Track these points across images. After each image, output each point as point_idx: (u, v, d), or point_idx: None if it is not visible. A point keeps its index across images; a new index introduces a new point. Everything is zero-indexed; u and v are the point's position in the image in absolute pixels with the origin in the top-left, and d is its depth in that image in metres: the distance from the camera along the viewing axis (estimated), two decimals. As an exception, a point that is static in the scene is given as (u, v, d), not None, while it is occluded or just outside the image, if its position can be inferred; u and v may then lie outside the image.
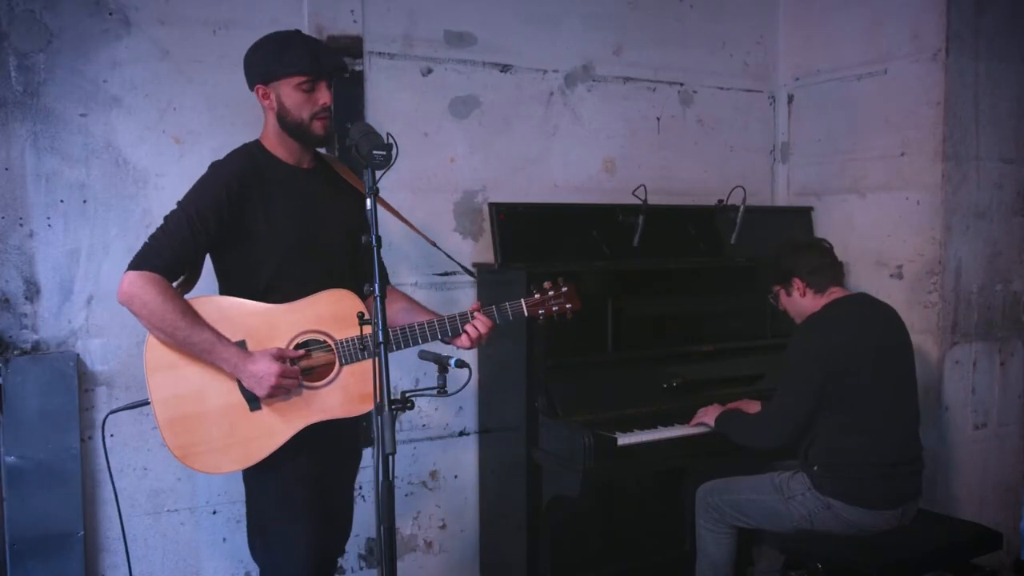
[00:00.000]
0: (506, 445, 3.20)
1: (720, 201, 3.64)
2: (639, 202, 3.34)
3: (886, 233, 3.54)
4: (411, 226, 2.46)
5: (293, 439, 2.14)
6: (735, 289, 3.55)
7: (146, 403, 2.13)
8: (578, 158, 3.57)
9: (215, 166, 2.21)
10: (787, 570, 3.04)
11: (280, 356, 2.10)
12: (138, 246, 2.12)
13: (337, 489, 2.39)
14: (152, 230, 2.15)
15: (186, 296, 2.18)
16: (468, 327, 2.24)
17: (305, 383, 2.15)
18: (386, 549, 1.76)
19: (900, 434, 2.75)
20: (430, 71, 3.26)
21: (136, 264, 2.08)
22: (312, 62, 2.17)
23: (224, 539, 3.00)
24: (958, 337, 3.43)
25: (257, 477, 2.24)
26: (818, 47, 3.87)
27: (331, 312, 2.18)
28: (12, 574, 2.59)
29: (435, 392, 2.14)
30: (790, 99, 4.02)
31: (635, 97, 3.69)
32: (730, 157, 3.94)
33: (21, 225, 2.68)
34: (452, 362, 2.21)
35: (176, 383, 2.10)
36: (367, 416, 2.17)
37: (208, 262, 2.26)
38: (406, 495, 3.30)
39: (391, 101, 3.17)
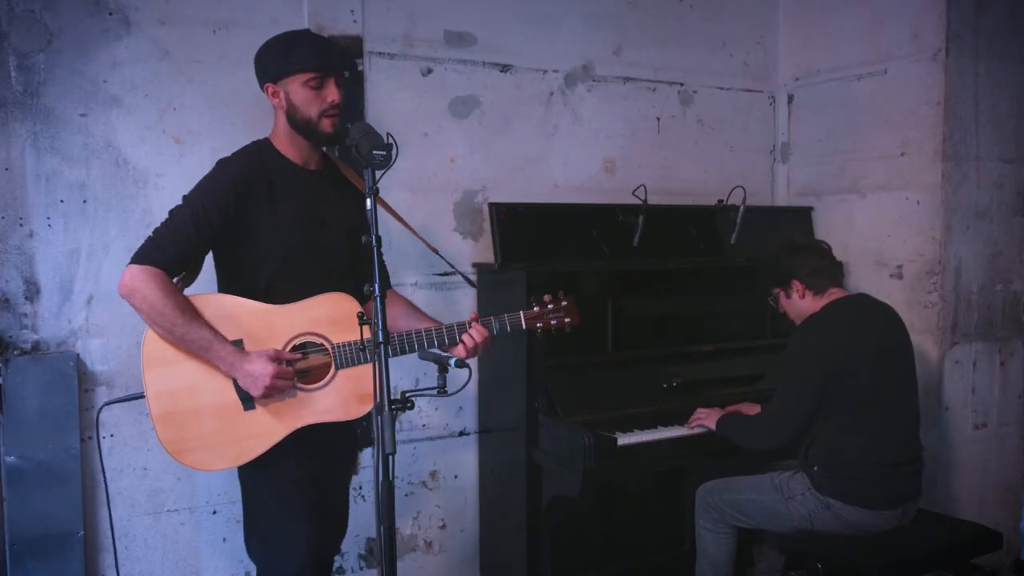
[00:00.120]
0: (506, 445, 3.20)
1: (720, 201, 3.64)
2: (639, 202, 3.34)
3: (886, 233, 3.54)
4: (412, 230, 2.46)
5: (287, 440, 2.14)
6: (735, 289, 3.55)
7: (141, 396, 2.13)
8: (578, 158, 3.57)
9: (222, 163, 2.22)
10: (787, 570, 3.04)
11: (276, 357, 2.10)
12: (138, 246, 2.13)
13: (332, 490, 2.39)
14: (152, 230, 2.15)
15: (187, 291, 2.18)
16: (464, 337, 2.25)
17: (300, 385, 2.16)
18: (386, 549, 1.76)
19: (900, 434, 2.75)
20: (430, 71, 3.26)
21: (138, 258, 2.08)
22: (319, 59, 2.17)
23: (224, 539, 3.00)
24: (958, 337, 3.43)
25: (252, 476, 2.24)
26: (818, 47, 3.87)
27: (329, 315, 2.18)
28: (12, 574, 2.59)
29: (435, 392, 2.15)
30: (790, 99, 4.02)
31: (635, 97, 3.69)
32: (730, 157, 3.94)
33: (21, 225, 2.68)
34: (452, 362, 2.21)
35: (172, 378, 2.10)
36: (367, 416, 2.17)
37: (209, 258, 2.26)
38: (406, 495, 3.30)
39: (391, 101, 3.17)
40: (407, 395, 1.93)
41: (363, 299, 2.24)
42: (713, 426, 2.93)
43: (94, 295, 2.76)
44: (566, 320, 2.35)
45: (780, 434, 2.76)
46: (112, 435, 2.81)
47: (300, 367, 2.16)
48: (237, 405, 2.13)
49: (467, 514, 3.43)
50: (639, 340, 3.31)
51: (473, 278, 3.32)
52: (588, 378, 3.11)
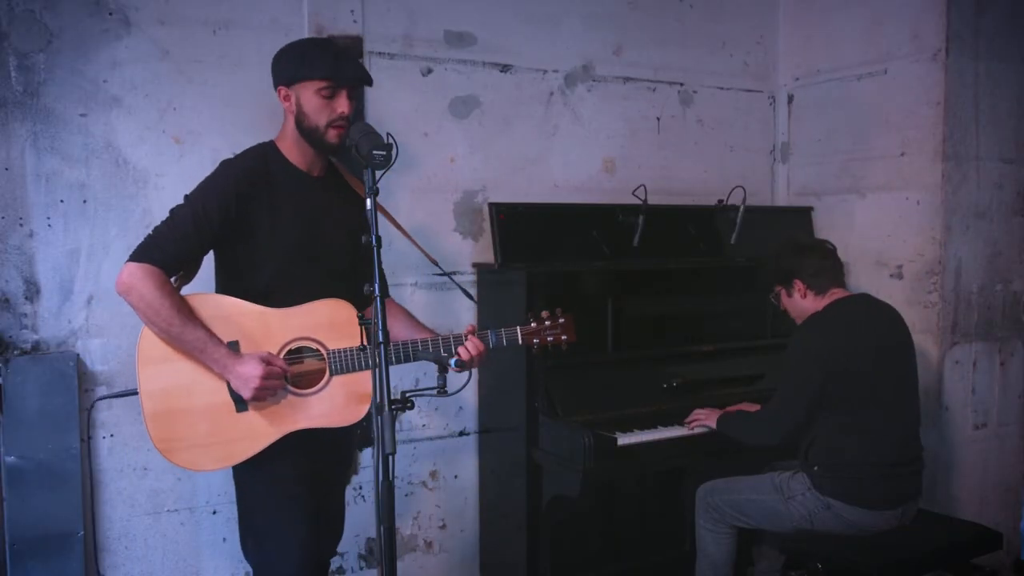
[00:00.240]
0: (506, 445, 3.20)
1: (720, 201, 3.64)
2: (639, 202, 3.34)
3: (886, 233, 3.54)
4: (411, 238, 2.46)
5: (283, 441, 2.14)
6: (735, 289, 3.55)
7: (134, 393, 2.13)
8: (578, 158, 3.57)
9: (226, 164, 2.22)
10: (787, 570, 3.04)
11: (268, 360, 2.10)
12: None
13: (329, 494, 2.39)
14: (152, 229, 2.15)
15: (186, 291, 2.18)
16: (460, 349, 2.24)
17: (293, 389, 2.16)
18: (386, 549, 1.76)
19: (900, 434, 2.75)
20: (430, 71, 3.26)
21: (137, 255, 2.08)
22: (334, 69, 2.18)
23: (224, 539, 3.00)
24: (958, 337, 3.43)
25: (247, 477, 2.25)
26: (818, 47, 3.87)
27: (327, 321, 2.18)
28: (12, 574, 2.59)
29: (435, 392, 2.14)
30: (790, 99, 4.02)
31: (635, 97, 3.69)
32: (730, 157, 3.94)
33: (21, 225, 2.68)
34: (452, 362, 2.21)
35: (166, 377, 2.11)
36: (366, 417, 2.18)
37: (208, 258, 2.26)
38: (406, 495, 3.30)
39: (391, 101, 3.17)
40: (407, 395, 1.93)
41: (362, 302, 2.24)
42: (713, 424, 2.93)
43: (94, 295, 2.76)
44: (563, 337, 2.35)
45: (780, 431, 2.76)
46: (112, 435, 2.81)
47: (295, 371, 2.16)
48: (230, 406, 2.13)
49: (467, 514, 3.43)
50: (639, 340, 3.31)
51: (473, 278, 3.33)
52: (588, 378, 3.11)
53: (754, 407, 3.00)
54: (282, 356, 2.16)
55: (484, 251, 3.34)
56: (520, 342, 2.33)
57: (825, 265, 2.88)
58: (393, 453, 1.73)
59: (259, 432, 2.13)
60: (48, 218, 2.70)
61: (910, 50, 3.45)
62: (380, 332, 1.81)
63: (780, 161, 4.07)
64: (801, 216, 3.84)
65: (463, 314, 3.25)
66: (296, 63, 2.20)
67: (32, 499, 2.62)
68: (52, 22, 2.66)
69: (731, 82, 3.93)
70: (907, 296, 3.44)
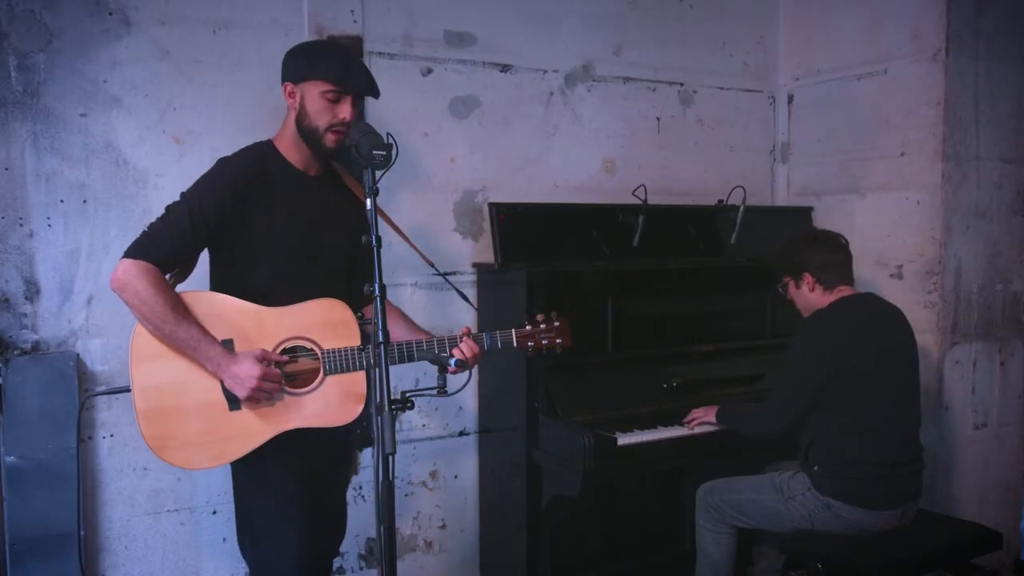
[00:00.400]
0: (506, 445, 3.20)
1: (720, 201, 3.64)
2: (639, 202, 3.34)
3: (886, 233, 3.54)
4: (408, 240, 2.46)
5: (280, 441, 2.14)
6: (735, 289, 3.55)
7: (127, 390, 2.12)
8: (578, 158, 3.57)
9: (223, 162, 2.22)
10: (787, 570, 3.04)
11: (263, 358, 2.09)
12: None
13: (329, 492, 2.38)
14: (147, 225, 2.15)
15: (182, 288, 2.18)
16: (455, 351, 2.24)
17: (287, 388, 2.15)
18: (386, 549, 1.76)
19: (900, 434, 2.75)
20: (430, 71, 3.26)
21: (132, 252, 2.07)
22: (342, 75, 2.18)
23: (224, 539, 3.00)
24: (958, 337, 3.43)
25: (243, 476, 2.24)
26: (818, 47, 3.87)
27: (322, 320, 2.18)
28: (12, 574, 2.59)
29: (435, 392, 2.14)
30: (790, 99, 4.02)
31: (635, 97, 3.69)
32: (730, 157, 3.94)
33: (21, 225, 2.68)
34: (452, 362, 2.21)
35: (159, 374, 2.10)
36: (366, 417, 2.17)
37: (204, 256, 2.26)
38: (406, 495, 3.30)
39: (391, 101, 3.16)
40: (407, 395, 1.93)
41: (360, 302, 2.24)
42: (713, 419, 2.93)
43: (94, 295, 2.76)
44: (557, 341, 2.36)
45: (779, 424, 2.77)
46: (112, 435, 2.81)
47: (289, 371, 2.16)
48: (223, 405, 2.12)
49: (467, 514, 3.43)
50: (639, 340, 3.31)
51: (473, 278, 3.33)
52: (588, 378, 3.11)
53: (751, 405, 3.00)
54: (276, 354, 2.15)
55: (484, 251, 3.34)
56: (515, 345, 2.33)
57: (836, 259, 2.87)
58: (393, 453, 1.73)
59: (252, 431, 2.13)
60: (48, 218, 2.70)
61: (910, 50, 3.45)
62: (380, 332, 1.81)
63: (780, 161, 4.07)
64: (801, 216, 3.84)
65: (463, 315, 3.25)
66: (308, 61, 2.20)
67: (32, 499, 2.62)
68: (52, 22, 2.66)
69: (731, 82, 3.93)
70: (907, 296, 3.44)
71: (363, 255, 2.08)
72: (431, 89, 3.26)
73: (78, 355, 2.73)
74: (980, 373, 3.49)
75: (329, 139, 2.20)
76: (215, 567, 3.01)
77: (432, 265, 2.48)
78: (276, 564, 2.20)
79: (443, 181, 3.31)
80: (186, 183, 2.20)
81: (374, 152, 1.94)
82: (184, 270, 2.24)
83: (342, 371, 2.17)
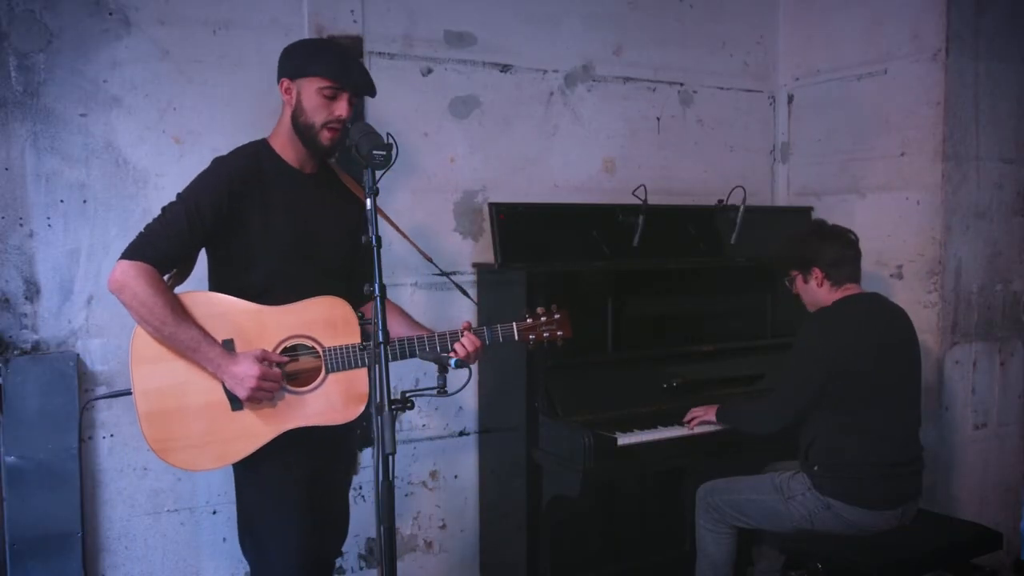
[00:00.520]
0: (506, 445, 3.20)
1: (720, 201, 3.64)
2: (639, 202, 3.34)
3: (886, 233, 3.54)
4: (407, 237, 2.45)
5: (282, 441, 2.14)
6: (735, 289, 3.55)
7: (128, 393, 2.12)
8: (578, 158, 3.57)
9: (218, 161, 2.21)
10: (787, 570, 3.04)
11: (263, 358, 2.09)
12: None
13: (331, 492, 2.38)
14: (144, 226, 2.15)
15: (180, 289, 2.18)
16: (456, 346, 2.24)
17: (289, 387, 2.15)
18: (386, 549, 1.76)
19: (901, 434, 2.75)
20: (430, 71, 3.26)
21: (130, 253, 2.07)
22: (341, 72, 2.17)
23: (224, 539, 3.00)
24: (958, 337, 3.43)
25: (246, 476, 2.24)
26: (818, 47, 3.87)
27: (322, 318, 2.17)
28: (12, 574, 2.59)
29: (435, 392, 2.14)
30: (790, 99, 4.02)
31: (635, 97, 3.69)
32: (730, 157, 3.94)
33: (21, 225, 2.68)
34: (452, 362, 2.21)
35: (160, 376, 2.10)
36: (366, 416, 2.17)
37: (202, 256, 2.26)
38: (406, 495, 3.30)
39: (391, 101, 3.17)
40: (407, 395, 1.93)
41: (358, 302, 2.24)
42: (713, 418, 2.93)
43: (94, 295, 2.76)
44: (558, 333, 2.35)
45: (780, 423, 2.77)
46: (112, 435, 2.81)
47: (290, 369, 2.15)
48: (225, 405, 2.12)
49: (467, 514, 3.43)
50: (639, 340, 3.31)
51: (473, 278, 3.33)
52: (588, 378, 3.11)
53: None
54: (277, 353, 2.15)
55: (484, 251, 3.34)
56: (516, 338, 2.33)
57: (847, 255, 2.85)
58: (393, 453, 1.73)
59: (255, 431, 2.13)
60: (48, 218, 2.70)
61: (910, 50, 3.45)
62: (380, 332, 1.81)
63: (780, 161, 4.07)
64: (801, 216, 3.84)
65: (463, 315, 3.24)
66: (306, 58, 2.20)
67: (32, 499, 2.62)
68: (52, 22, 2.66)
69: (731, 82, 3.93)
70: (907, 296, 3.43)
71: (363, 255, 2.08)
72: (431, 89, 3.26)
73: (78, 355, 2.73)
74: (980, 373, 3.49)
75: (325, 136, 2.19)
76: (215, 567, 3.01)
77: (431, 260, 2.48)
78: (277, 565, 2.20)
79: (443, 181, 3.31)
80: (186, 183, 2.20)
81: (374, 152, 1.94)
82: (182, 271, 2.24)
83: (344, 369, 2.17)
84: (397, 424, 2.19)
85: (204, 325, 2.09)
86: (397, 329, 2.34)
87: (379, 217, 2.04)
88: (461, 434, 3.39)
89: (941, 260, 3.37)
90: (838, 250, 2.85)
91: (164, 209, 2.14)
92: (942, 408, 3.41)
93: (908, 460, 2.74)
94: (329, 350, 2.16)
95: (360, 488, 3.19)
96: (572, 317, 2.38)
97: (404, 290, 3.20)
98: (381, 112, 3.11)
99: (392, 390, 1.81)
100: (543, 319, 2.34)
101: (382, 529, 1.75)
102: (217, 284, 2.23)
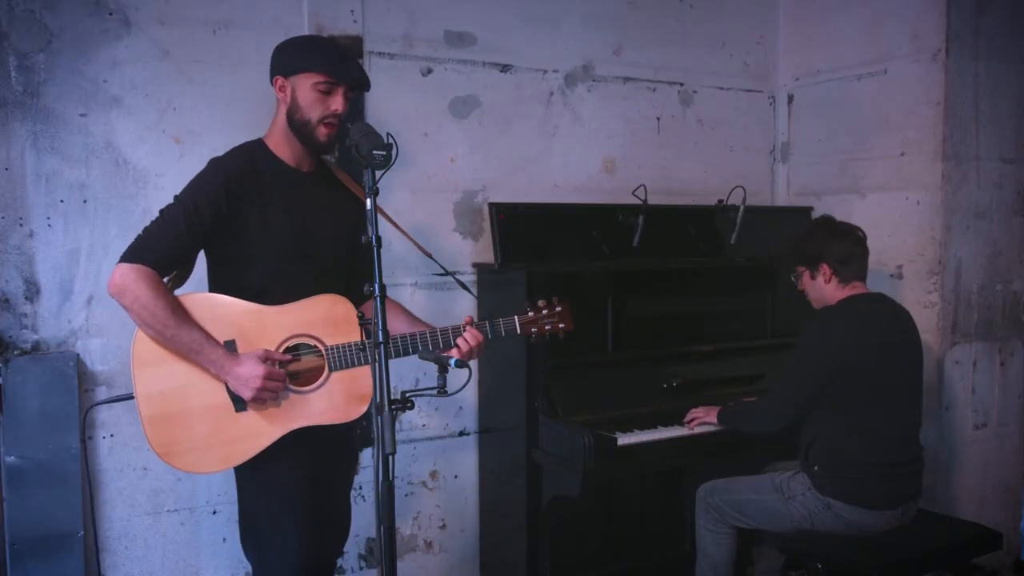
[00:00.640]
0: (506, 445, 3.20)
1: (720, 201, 3.64)
2: (639, 202, 3.34)
3: (886, 233, 3.54)
4: (407, 235, 2.45)
5: (284, 441, 2.14)
6: (735, 289, 3.55)
7: (131, 397, 2.12)
8: (578, 158, 3.57)
9: (214, 162, 2.21)
10: (787, 570, 3.04)
11: (266, 358, 2.09)
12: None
13: (333, 492, 2.38)
14: (143, 228, 2.14)
15: (180, 291, 2.18)
16: (459, 341, 2.24)
17: (292, 387, 2.15)
18: (386, 549, 1.76)
19: (901, 434, 2.75)
20: (430, 71, 3.26)
21: (129, 256, 2.07)
22: (335, 66, 2.17)
23: (224, 539, 3.00)
24: (958, 337, 3.43)
25: (248, 477, 2.24)
26: (818, 47, 3.87)
27: (324, 317, 2.17)
28: (12, 574, 2.59)
29: (435, 392, 2.14)
30: (790, 99, 4.02)
31: (635, 97, 3.69)
32: (730, 157, 3.94)
33: (21, 225, 2.68)
34: (452, 362, 2.21)
35: (162, 379, 2.09)
36: (367, 416, 2.17)
37: (201, 258, 2.26)
38: (406, 495, 3.30)
39: (391, 101, 3.17)
40: (407, 395, 1.93)
41: (357, 301, 2.23)
42: (714, 419, 2.93)
43: (94, 295, 2.76)
44: (560, 326, 2.35)
45: (780, 422, 2.77)
46: (112, 435, 2.81)
47: (293, 369, 2.15)
48: (229, 407, 2.11)
49: (467, 514, 3.43)
50: (639, 340, 3.31)
51: (473, 278, 3.33)
52: (588, 378, 3.11)
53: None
54: (279, 353, 2.15)
55: (484, 251, 3.34)
56: (518, 331, 2.32)
57: (855, 252, 2.84)
58: (393, 453, 1.73)
59: (259, 431, 2.12)
60: (48, 218, 2.70)
61: (910, 50, 3.45)
62: (380, 332, 1.81)
63: (780, 161, 4.07)
64: (801, 216, 3.84)
65: (464, 315, 3.18)
66: (299, 54, 2.19)
67: (32, 499, 2.62)
68: (52, 22, 2.66)
69: (731, 82, 3.93)
70: (907, 296, 3.44)
71: (363, 255, 2.08)
72: (431, 89, 3.26)
73: (78, 355, 2.73)
74: (980, 373, 3.49)
75: (321, 132, 2.19)
76: (215, 567, 3.01)
77: (431, 257, 2.48)
78: (278, 564, 2.20)
79: (443, 181, 3.31)
80: (186, 183, 2.20)
81: (374, 152, 1.94)
82: (182, 273, 2.24)
83: (347, 367, 2.17)
84: (397, 424, 2.19)
85: (205, 327, 2.09)
86: (398, 326, 2.34)
87: (379, 216, 2.05)
88: (461, 434, 3.39)
89: (941, 260, 3.37)
90: (847, 247, 2.83)
91: (162, 211, 2.14)
92: (942, 408, 3.41)
93: (908, 460, 2.74)
94: (332, 348, 2.16)
95: (360, 488, 3.19)
96: (572, 317, 2.38)
97: (404, 290, 3.20)
98: (381, 112, 3.11)
99: (392, 390, 1.81)
100: (544, 312, 2.34)
101: (382, 529, 1.75)
102: (217, 285, 2.23)
